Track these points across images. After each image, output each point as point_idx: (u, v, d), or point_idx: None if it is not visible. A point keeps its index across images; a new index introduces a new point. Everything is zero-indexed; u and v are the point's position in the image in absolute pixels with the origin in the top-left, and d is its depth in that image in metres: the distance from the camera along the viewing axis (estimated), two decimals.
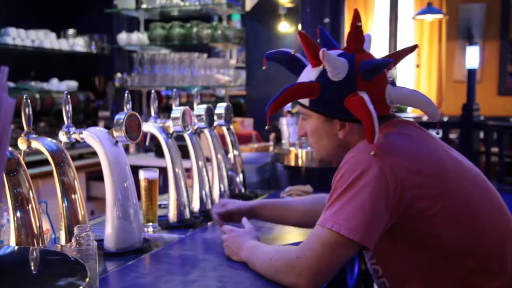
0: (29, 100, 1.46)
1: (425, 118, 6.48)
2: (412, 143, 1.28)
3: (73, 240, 1.20)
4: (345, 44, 1.37)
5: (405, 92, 1.33)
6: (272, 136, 3.46)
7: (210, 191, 2.08)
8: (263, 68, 1.42)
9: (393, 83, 1.36)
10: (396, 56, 1.37)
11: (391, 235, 1.23)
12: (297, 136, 1.47)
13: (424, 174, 1.21)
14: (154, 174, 1.84)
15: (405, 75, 7.25)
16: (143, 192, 1.84)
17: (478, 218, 1.24)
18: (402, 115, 6.71)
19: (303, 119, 1.40)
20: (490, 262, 1.22)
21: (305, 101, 1.35)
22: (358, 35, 1.32)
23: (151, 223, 1.85)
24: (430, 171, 1.23)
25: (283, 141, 3.20)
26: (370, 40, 1.38)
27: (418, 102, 1.34)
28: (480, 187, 1.29)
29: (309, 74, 1.34)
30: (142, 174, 1.84)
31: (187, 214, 1.90)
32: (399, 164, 1.19)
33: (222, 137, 2.28)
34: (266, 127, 1.46)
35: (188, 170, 2.32)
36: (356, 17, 1.29)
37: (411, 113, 6.99)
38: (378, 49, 7.34)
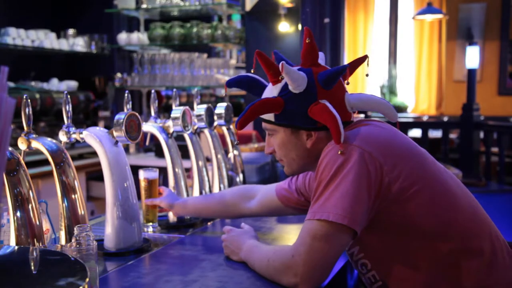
0: (29, 100, 1.46)
1: (425, 118, 6.48)
2: (385, 132, 1.33)
3: (73, 240, 1.20)
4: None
5: (362, 97, 1.39)
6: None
7: (210, 191, 2.08)
8: (224, 94, 1.46)
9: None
10: (351, 66, 1.43)
11: (374, 223, 1.26)
12: (267, 153, 1.49)
13: (399, 157, 1.26)
14: (154, 174, 1.84)
15: (405, 75, 7.26)
16: (143, 192, 1.84)
17: (454, 199, 1.28)
18: (402, 115, 6.72)
19: (269, 135, 1.44)
20: (468, 242, 1.26)
21: (270, 117, 1.39)
22: (311, 51, 1.38)
23: (151, 223, 1.85)
24: (405, 154, 1.28)
25: None
26: (324, 58, 1.46)
27: (376, 105, 1.40)
28: (453, 178, 1.35)
29: (271, 91, 1.40)
30: (142, 174, 1.84)
31: None
32: (376, 149, 1.25)
33: (222, 137, 2.28)
34: (236, 143, 1.50)
35: (188, 170, 2.32)
36: (306, 34, 1.36)
37: (411, 112, 7.00)
38: (378, 49, 7.35)
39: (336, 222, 1.19)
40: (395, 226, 1.26)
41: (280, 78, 1.37)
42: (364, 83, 7.23)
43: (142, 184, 1.84)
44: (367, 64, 1.41)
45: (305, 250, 1.23)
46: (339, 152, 1.25)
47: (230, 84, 1.50)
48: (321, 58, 1.44)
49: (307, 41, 1.37)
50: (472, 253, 1.25)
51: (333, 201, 1.21)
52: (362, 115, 4.40)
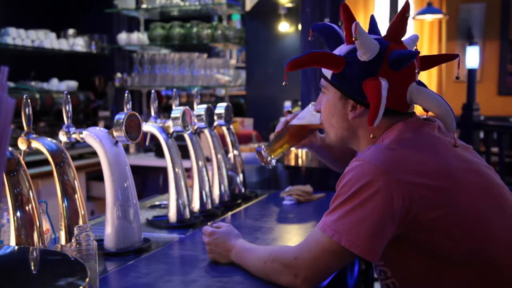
0: (29, 100, 1.46)
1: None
2: (422, 152, 1.23)
3: (73, 240, 1.20)
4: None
5: (426, 94, 1.29)
6: (272, 136, 3.47)
7: (210, 191, 2.08)
8: (284, 84, 1.40)
9: (421, 83, 1.33)
10: (438, 59, 1.36)
11: (397, 242, 1.21)
12: (316, 111, 1.45)
13: (432, 188, 1.18)
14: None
15: None
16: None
17: (488, 228, 1.21)
18: None
19: (322, 92, 1.40)
20: (498, 274, 1.20)
21: (328, 74, 1.34)
22: (400, 26, 1.31)
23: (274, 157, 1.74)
24: (439, 184, 1.19)
25: None
26: (416, 41, 1.36)
27: (436, 108, 1.29)
28: (492, 195, 1.25)
29: (340, 49, 1.35)
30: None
31: (187, 214, 1.90)
32: (405, 178, 1.16)
33: (222, 137, 2.28)
34: (284, 83, 1.43)
35: (188, 170, 2.32)
36: (407, 9, 1.29)
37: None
38: None
39: (348, 249, 1.16)
40: (419, 249, 1.21)
41: (353, 39, 1.27)
42: None
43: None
44: (458, 67, 1.31)
45: (311, 258, 1.21)
46: (371, 136, 1.24)
47: (316, 29, 1.43)
48: (412, 40, 1.35)
49: (406, 16, 1.29)
50: (501, 285, 1.20)
51: (347, 223, 1.16)
52: None
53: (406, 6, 1.29)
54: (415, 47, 1.35)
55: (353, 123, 1.33)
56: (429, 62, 1.35)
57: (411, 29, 7.15)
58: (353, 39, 1.27)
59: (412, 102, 1.31)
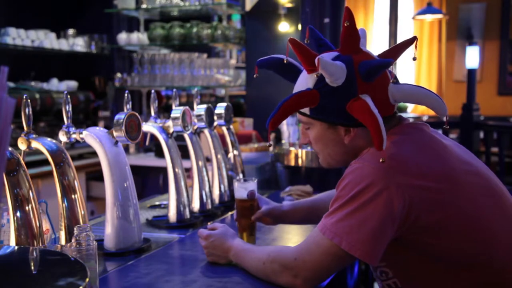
0: (29, 100, 1.46)
1: (425, 118, 6.48)
2: (422, 154, 1.22)
3: (73, 240, 1.19)
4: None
5: (409, 88, 1.26)
6: (272, 136, 3.46)
7: (210, 191, 2.08)
8: (254, 76, 1.36)
9: (395, 78, 1.30)
10: (394, 52, 1.32)
11: (399, 244, 1.21)
12: (303, 144, 1.40)
13: (432, 190, 1.17)
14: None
15: (405, 74, 7.25)
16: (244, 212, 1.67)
17: (489, 230, 1.20)
18: (402, 115, 6.69)
19: (305, 128, 1.34)
20: (501, 276, 1.19)
21: (306, 110, 1.29)
22: (351, 35, 1.25)
23: None
24: (439, 186, 1.18)
25: (283, 141, 3.20)
26: (365, 36, 1.31)
27: (423, 98, 1.27)
28: (492, 196, 1.24)
29: (306, 81, 1.28)
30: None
31: (187, 214, 1.90)
32: (406, 181, 1.15)
33: (222, 137, 2.28)
34: (268, 144, 1.40)
35: (188, 170, 2.32)
36: (346, 16, 1.22)
37: (411, 113, 7.00)
38: (378, 49, 7.35)
39: (348, 252, 1.16)
40: (420, 250, 1.21)
41: (316, 75, 1.23)
42: None
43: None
44: (415, 47, 1.27)
45: (311, 260, 1.22)
46: (381, 160, 1.15)
47: (261, 65, 1.37)
48: (362, 37, 1.29)
49: (346, 24, 1.22)
50: (502, 285, 1.19)
51: (347, 225, 1.15)
52: None
53: (345, 14, 1.23)
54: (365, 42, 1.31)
55: (351, 146, 1.28)
56: (393, 54, 1.31)
57: (411, 29, 7.16)
58: (316, 75, 1.22)
59: (396, 101, 1.28)
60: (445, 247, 1.18)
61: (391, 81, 1.27)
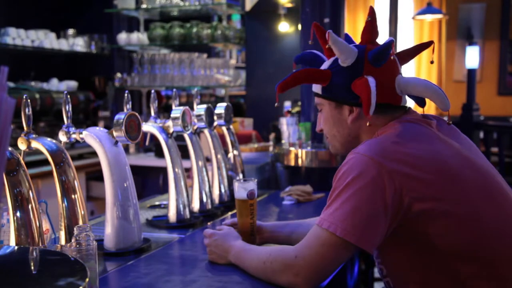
0: (29, 100, 1.46)
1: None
2: (416, 145, 1.25)
3: (73, 240, 1.19)
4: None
5: (413, 81, 1.35)
6: (272, 136, 3.46)
7: (210, 191, 2.08)
8: (276, 103, 1.44)
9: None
10: (412, 52, 1.42)
11: (392, 237, 1.22)
12: (318, 131, 1.48)
13: (425, 181, 1.20)
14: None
15: (405, 74, 7.25)
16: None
17: (483, 222, 1.21)
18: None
19: (319, 111, 1.44)
20: (494, 268, 1.20)
21: (318, 89, 1.40)
22: (370, 30, 1.38)
23: None
24: (431, 176, 1.20)
25: (283, 141, 3.20)
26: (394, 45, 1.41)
27: (427, 92, 1.34)
28: (488, 189, 1.26)
29: (323, 66, 1.41)
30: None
31: (187, 214, 1.90)
32: (397, 171, 1.19)
33: (222, 137, 2.28)
34: (276, 104, 1.46)
35: (188, 170, 2.32)
36: (369, 13, 1.36)
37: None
38: None
39: (344, 238, 1.17)
40: (413, 243, 1.22)
41: (327, 47, 1.36)
42: None
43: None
44: (432, 51, 1.39)
45: (311, 254, 1.22)
46: (367, 124, 1.29)
47: (297, 60, 1.50)
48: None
49: (368, 19, 1.37)
50: (497, 279, 1.20)
51: (342, 213, 1.18)
52: None
53: (370, 11, 1.36)
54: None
55: (354, 127, 1.37)
56: (407, 55, 1.43)
57: (411, 29, 7.16)
58: (327, 47, 1.35)
59: (402, 93, 1.36)
60: (435, 236, 1.19)
61: (400, 73, 1.37)
